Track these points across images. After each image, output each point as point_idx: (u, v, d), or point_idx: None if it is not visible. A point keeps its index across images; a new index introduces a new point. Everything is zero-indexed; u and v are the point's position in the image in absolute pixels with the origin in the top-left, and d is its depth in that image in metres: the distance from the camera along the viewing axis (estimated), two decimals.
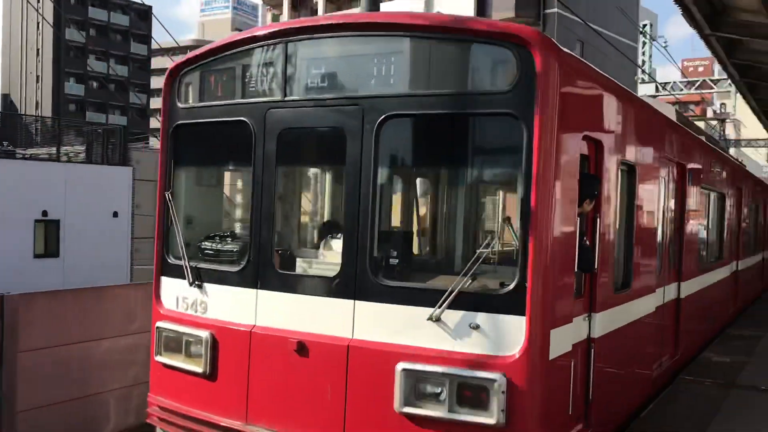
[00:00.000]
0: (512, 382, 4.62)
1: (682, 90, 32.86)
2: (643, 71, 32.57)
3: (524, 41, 4.69)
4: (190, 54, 6.22)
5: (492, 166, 5.68)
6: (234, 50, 5.89)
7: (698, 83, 33.62)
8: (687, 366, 9.12)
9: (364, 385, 5.04)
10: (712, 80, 34.23)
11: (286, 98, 5.51)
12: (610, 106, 5.96)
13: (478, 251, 4.78)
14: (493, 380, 4.63)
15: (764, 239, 17.90)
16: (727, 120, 35.93)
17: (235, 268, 5.80)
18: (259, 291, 5.59)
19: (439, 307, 4.78)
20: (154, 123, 75.01)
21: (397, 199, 6.25)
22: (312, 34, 5.48)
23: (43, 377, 8.40)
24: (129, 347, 9.33)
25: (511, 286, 4.72)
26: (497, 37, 4.81)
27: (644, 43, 36.90)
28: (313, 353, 5.23)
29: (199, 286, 5.93)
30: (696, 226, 9.44)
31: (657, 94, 30.86)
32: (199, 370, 5.79)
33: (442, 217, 6.03)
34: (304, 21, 5.70)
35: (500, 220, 5.33)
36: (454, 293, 4.73)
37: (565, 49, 4.96)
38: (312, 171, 6.72)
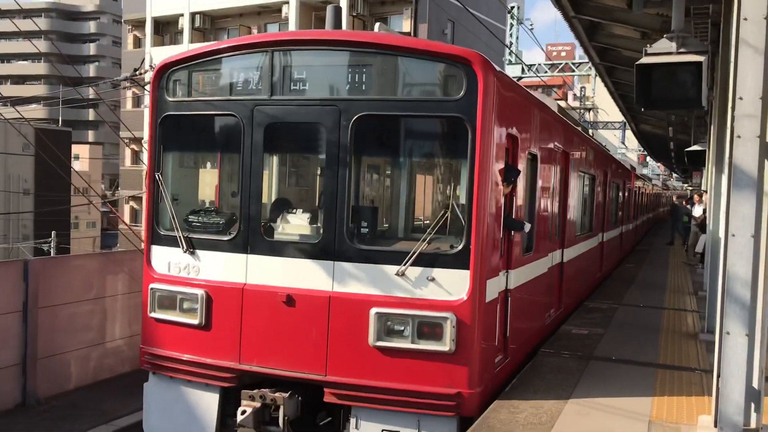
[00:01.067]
0: (460, 319, 6.28)
1: (546, 72, 35.81)
2: (511, 52, 34.92)
3: (470, 61, 6.30)
4: (180, 54, 7.52)
5: (443, 157, 7.40)
6: (224, 55, 7.20)
7: (561, 66, 36.73)
8: (567, 319, 11.36)
9: (344, 326, 6.54)
10: (574, 63, 37.60)
11: (272, 97, 6.86)
12: (523, 109, 7.78)
13: (434, 222, 6.44)
14: (446, 318, 6.28)
15: (623, 214, 20.97)
16: (592, 108, 39.59)
17: (226, 237, 7.13)
18: (249, 255, 6.94)
19: (404, 264, 6.38)
20: None
21: (367, 181, 7.80)
22: (299, 46, 6.97)
23: (58, 330, 9.86)
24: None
25: (459, 248, 6.37)
26: (451, 57, 6.41)
27: (512, 26, 38.19)
28: (299, 304, 6.65)
29: (192, 253, 7.21)
30: (575, 203, 11.59)
31: (522, 75, 32.34)
32: (195, 322, 7.07)
33: (403, 195, 7.45)
34: (293, 34, 7.25)
35: (449, 198, 6.77)
36: (415, 254, 6.35)
37: (497, 68, 6.74)
38: (293, 157, 8.12)
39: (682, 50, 9.32)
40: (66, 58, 25.32)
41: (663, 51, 9.33)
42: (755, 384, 5.54)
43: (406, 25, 37.62)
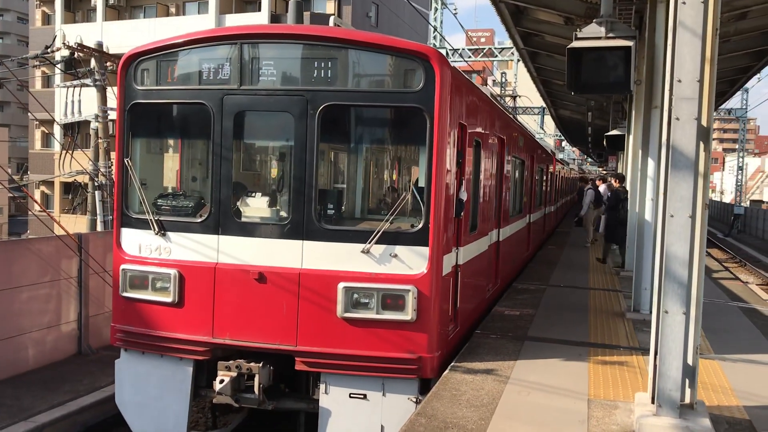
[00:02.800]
0: (420, 291, 6.85)
1: (470, 57, 36.31)
2: (439, 36, 35.27)
3: (428, 56, 6.82)
4: (148, 45, 7.58)
5: (403, 143, 7.86)
6: (192, 46, 7.39)
7: (484, 51, 37.30)
8: (502, 294, 11.90)
9: (313, 300, 6.98)
10: (497, 48, 38.26)
11: (242, 87, 7.18)
12: (471, 100, 8.25)
13: (396, 204, 6.91)
14: (408, 290, 6.84)
15: (546, 197, 21.72)
16: (514, 95, 40.39)
17: (197, 219, 7.42)
18: (221, 236, 7.28)
19: (369, 242, 6.89)
20: None
21: (333, 166, 8.19)
22: (267, 39, 7.20)
23: None
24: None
25: (419, 227, 6.93)
26: (410, 53, 6.89)
27: (435, 9, 38.66)
28: (270, 280, 7.06)
29: (163, 235, 7.46)
30: (508, 185, 12.17)
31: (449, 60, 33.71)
32: (168, 300, 7.37)
33: (366, 179, 8.01)
34: (262, 28, 7.42)
35: (409, 181, 7.39)
36: (379, 233, 6.86)
37: (452, 64, 7.17)
38: (260, 144, 8.34)
39: (610, 35, 9.49)
40: None
41: (592, 36, 9.47)
42: (690, 360, 5.71)
43: (330, 7, 37.23)
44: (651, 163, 10.20)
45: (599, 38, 9.32)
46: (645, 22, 11.35)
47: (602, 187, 21.49)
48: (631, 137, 15.96)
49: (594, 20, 9.53)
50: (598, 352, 8.27)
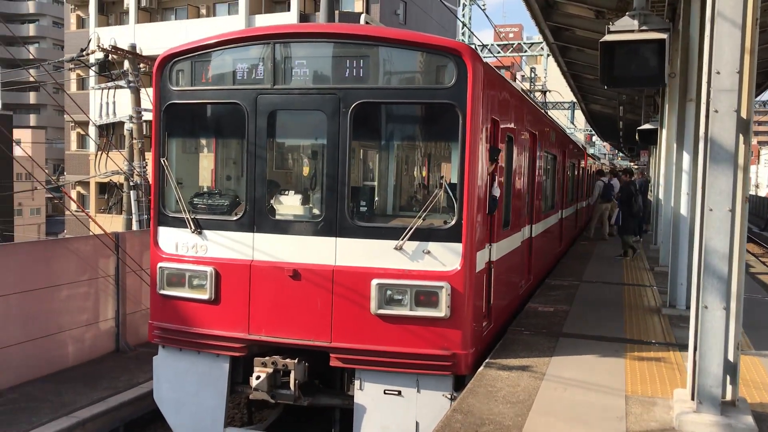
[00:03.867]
0: (454, 288, 6.81)
1: (499, 52, 36.02)
2: (468, 32, 35.06)
3: (460, 52, 6.77)
4: (183, 46, 7.65)
5: (436, 140, 7.81)
6: (225, 47, 7.45)
7: (513, 47, 36.96)
8: (535, 291, 11.80)
9: (347, 297, 6.99)
10: (526, 43, 37.90)
11: (275, 86, 7.21)
12: (503, 95, 8.18)
13: (429, 199, 6.88)
14: (442, 287, 6.81)
15: (578, 192, 21.51)
16: (544, 89, 40.02)
17: (233, 218, 7.48)
18: (256, 234, 7.32)
19: (402, 239, 6.87)
20: None
21: (365, 164, 8.21)
22: (299, 39, 7.22)
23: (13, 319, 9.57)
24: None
25: (452, 223, 6.89)
26: (442, 49, 6.85)
27: (464, 5, 38.44)
28: (304, 277, 7.09)
29: (200, 233, 7.54)
30: (541, 180, 12.08)
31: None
32: (205, 297, 7.44)
33: (398, 176, 8.00)
34: (294, 27, 7.43)
35: (442, 177, 7.28)
36: (412, 229, 6.83)
37: (485, 59, 7.13)
38: (293, 142, 8.37)
39: (644, 28, 9.36)
40: (12, 34, 24.19)
41: (625, 29, 9.34)
42: (731, 357, 5.60)
43: (358, 5, 37.27)
44: (686, 157, 10.01)
45: (632, 31, 9.20)
46: (679, 14, 11.15)
47: (614, 182, 21.49)
48: (664, 131, 15.72)
49: (627, 13, 9.41)
50: (635, 348, 8.16)
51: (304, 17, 37.43)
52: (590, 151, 53.33)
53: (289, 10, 38.79)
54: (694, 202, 9.55)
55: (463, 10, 38.41)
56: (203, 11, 42.33)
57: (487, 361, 7.33)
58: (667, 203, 12.95)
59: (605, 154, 79.36)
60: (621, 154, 73.30)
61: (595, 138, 68.36)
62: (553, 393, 6.46)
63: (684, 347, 7.66)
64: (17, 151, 37.62)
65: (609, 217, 21.53)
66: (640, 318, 9.86)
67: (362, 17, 8.11)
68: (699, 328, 5.54)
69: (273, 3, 41.34)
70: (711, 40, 5.48)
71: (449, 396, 6.89)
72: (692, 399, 5.67)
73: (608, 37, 8.98)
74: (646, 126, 21.64)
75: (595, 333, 8.83)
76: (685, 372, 6.56)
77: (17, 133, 53.17)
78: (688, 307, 9.52)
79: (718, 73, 5.39)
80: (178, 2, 42.48)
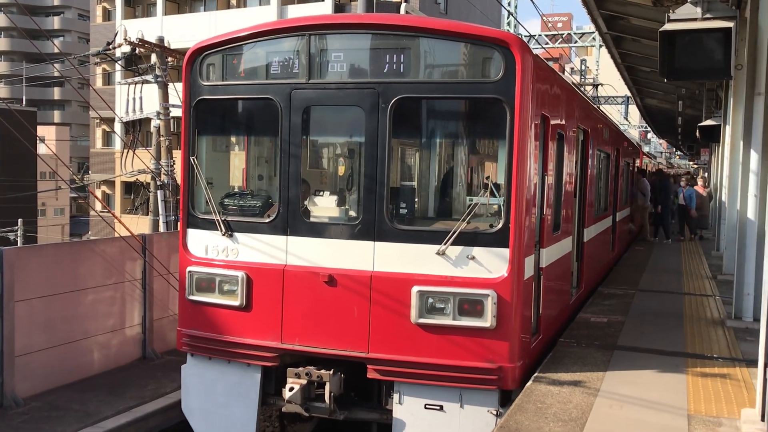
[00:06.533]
0: (500, 296, 6.74)
1: (547, 43, 35.67)
2: (511, 21, 34.77)
3: (508, 44, 6.70)
4: (213, 38, 7.71)
5: (481, 138, 7.77)
6: (258, 39, 7.48)
7: (561, 37, 36.52)
8: (587, 299, 11.65)
9: (385, 305, 6.98)
10: (576, 33, 37.44)
11: (310, 81, 7.22)
12: (553, 90, 8.09)
13: (473, 201, 6.83)
14: (487, 295, 6.73)
15: (632, 194, 21.21)
16: (596, 83, 39.58)
17: (265, 220, 7.50)
18: (289, 237, 7.35)
19: (445, 243, 6.82)
20: None
21: (405, 163, 8.17)
22: (335, 30, 7.22)
23: (37, 325, 9.74)
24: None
25: (499, 227, 6.82)
26: (489, 40, 6.79)
27: None
28: (341, 283, 7.08)
29: (230, 236, 7.58)
30: (594, 181, 11.93)
31: None
32: (236, 303, 7.48)
33: (441, 176, 7.95)
34: (330, 18, 7.46)
35: (488, 178, 7.22)
36: (456, 233, 6.77)
37: (534, 50, 7.03)
38: (329, 140, 8.36)
39: (707, 16, 9.19)
40: (37, 27, 24.73)
41: (687, 17, 9.20)
42: None
43: None
44: (754, 156, 9.79)
45: (695, 20, 9.05)
46: (746, 1, 10.91)
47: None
48: (728, 127, 15.42)
49: (688, 0, 9.24)
50: (697, 363, 7.99)
51: (339, 8, 37.62)
52: (645, 149, 52.68)
53: (323, 0, 39.03)
54: (764, 205, 9.35)
55: None
56: (233, 2, 42.80)
57: (535, 375, 7.24)
58: (732, 206, 12.67)
59: (661, 152, 78.20)
60: (679, 152, 72.09)
61: (650, 135, 67.37)
62: (608, 411, 6.35)
63: (752, 363, 7.49)
64: (41, 149, 38.52)
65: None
66: (702, 330, 9.66)
67: (402, 7, 8.07)
68: None
69: None
70: None
71: (495, 412, 6.82)
72: (762, 420, 5.55)
73: (669, 26, 8.85)
74: (708, 122, 21.32)
75: (653, 346, 8.67)
76: (754, 390, 6.42)
77: (41, 130, 54.45)
78: (756, 319, 9.32)
79: None
80: None
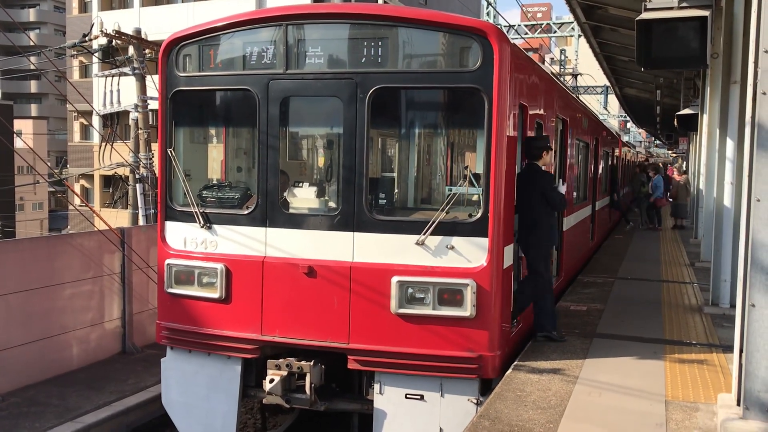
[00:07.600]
0: (480, 285, 6.76)
1: (527, 33, 35.68)
2: (491, 11, 34.77)
3: (486, 33, 6.69)
4: (190, 29, 7.65)
5: (459, 127, 7.76)
6: (235, 29, 7.43)
7: (541, 27, 36.54)
8: (566, 289, 11.69)
9: (365, 296, 6.97)
10: (555, 23, 37.47)
11: (287, 71, 7.18)
12: (531, 79, 8.11)
13: (452, 191, 6.83)
14: (467, 284, 6.75)
15: (613, 182, 21.34)
16: (575, 73, 39.75)
17: (244, 212, 7.46)
18: (268, 229, 7.32)
19: (424, 234, 6.82)
20: None
21: (384, 153, 8.16)
22: (313, 20, 7.17)
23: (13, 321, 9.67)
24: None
25: (478, 216, 6.82)
26: (466, 29, 6.77)
27: None
28: (320, 275, 7.08)
29: (209, 228, 7.54)
30: (572, 170, 11.99)
31: None
32: (215, 296, 7.45)
33: (420, 166, 7.96)
34: (307, 8, 7.37)
35: (467, 168, 7.27)
36: (435, 223, 6.77)
37: (511, 40, 7.03)
38: (307, 131, 8.34)
39: (684, 4, 9.21)
40: (11, 20, 24.37)
41: (664, 5, 9.21)
42: None
43: None
44: (730, 144, 9.88)
45: (671, 8, 9.07)
46: None
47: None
48: (705, 116, 15.50)
49: None
50: (675, 349, 8.07)
51: None
52: (625, 138, 52.95)
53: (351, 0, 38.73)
54: (740, 192, 9.41)
55: None
56: None
57: (515, 363, 7.28)
58: (709, 194, 12.78)
59: (641, 142, 78.65)
60: (657, 141, 72.56)
61: (629, 124, 67.74)
62: (587, 398, 6.40)
63: (728, 348, 7.58)
64: (18, 143, 38.06)
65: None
66: (680, 317, 9.76)
67: None
68: (745, 328, 5.44)
69: None
70: (758, 17, 5.37)
71: (475, 401, 6.86)
72: (738, 404, 5.58)
73: (645, 15, 8.87)
74: (686, 111, 21.42)
75: (632, 333, 8.75)
76: (730, 375, 6.49)
77: (18, 124, 53.78)
78: (732, 306, 9.42)
79: (767, 51, 5.29)
80: None
